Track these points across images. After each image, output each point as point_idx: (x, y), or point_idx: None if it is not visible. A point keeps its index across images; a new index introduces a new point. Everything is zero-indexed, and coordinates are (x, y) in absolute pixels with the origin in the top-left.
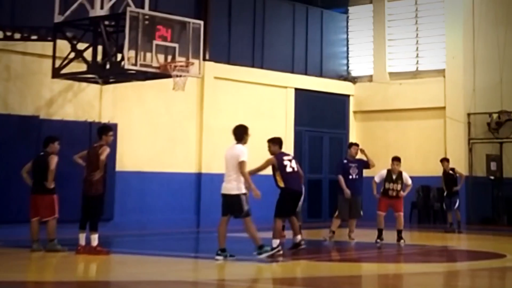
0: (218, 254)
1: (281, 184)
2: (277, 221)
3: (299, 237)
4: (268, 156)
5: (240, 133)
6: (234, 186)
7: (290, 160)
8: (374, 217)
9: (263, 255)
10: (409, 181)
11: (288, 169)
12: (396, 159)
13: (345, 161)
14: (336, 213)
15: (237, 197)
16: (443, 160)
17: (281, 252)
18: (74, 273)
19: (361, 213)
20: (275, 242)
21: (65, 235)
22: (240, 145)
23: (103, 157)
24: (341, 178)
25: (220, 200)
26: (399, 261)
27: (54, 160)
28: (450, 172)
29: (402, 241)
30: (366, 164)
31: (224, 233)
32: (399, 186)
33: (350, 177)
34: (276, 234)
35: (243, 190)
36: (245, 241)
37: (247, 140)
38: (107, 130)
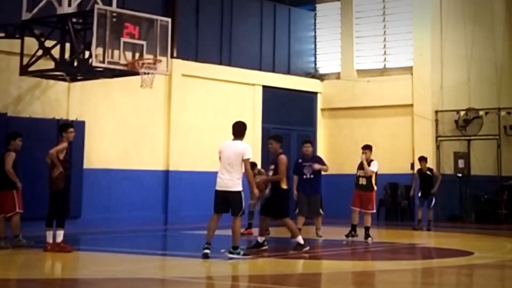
0: (230, 252)
1: (284, 186)
2: (288, 220)
3: (263, 238)
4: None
5: (240, 129)
6: (236, 183)
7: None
8: (344, 214)
9: (234, 256)
10: (374, 168)
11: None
12: (366, 147)
13: (300, 160)
14: (297, 210)
15: (239, 194)
16: (422, 159)
17: (307, 248)
18: (41, 270)
19: (321, 211)
20: (300, 239)
21: (33, 232)
22: (243, 142)
23: (52, 150)
24: (295, 178)
25: (187, 197)
26: (367, 259)
27: (9, 158)
28: (428, 172)
29: (370, 238)
30: (320, 161)
31: (215, 228)
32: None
33: (304, 176)
34: (294, 232)
35: (242, 187)
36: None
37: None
38: (66, 127)
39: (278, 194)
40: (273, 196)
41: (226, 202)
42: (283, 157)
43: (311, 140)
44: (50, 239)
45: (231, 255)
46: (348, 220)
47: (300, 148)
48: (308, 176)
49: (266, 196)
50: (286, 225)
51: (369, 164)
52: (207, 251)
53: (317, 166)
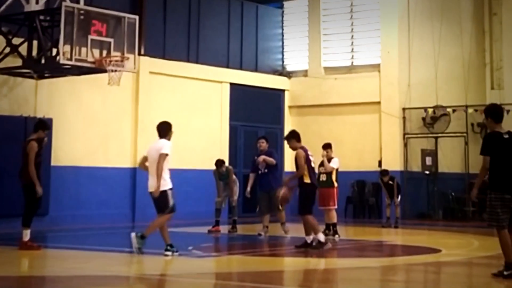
0: (167, 250)
1: (307, 180)
2: (309, 218)
3: (310, 238)
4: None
5: (164, 129)
6: (161, 182)
7: (311, 155)
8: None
9: (168, 253)
10: (335, 165)
11: (312, 165)
12: (326, 146)
13: (256, 157)
14: (258, 208)
15: (164, 192)
16: (384, 174)
17: (329, 245)
18: (8, 267)
19: (280, 207)
20: (321, 237)
21: (5, 229)
22: (164, 140)
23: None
24: (250, 175)
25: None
26: (334, 256)
27: None
28: (390, 182)
29: (337, 236)
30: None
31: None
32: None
33: (259, 172)
34: (315, 229)
35: (169, 185)
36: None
37: (171, 136)
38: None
39: (301, 190)
40: (299, 192)
41: (154, 202)
42: (299, 151)
43: (267, 137)
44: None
45: (167, 252)
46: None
47: (269, 145)
48: (262, 171)
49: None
50: (306, 222)
51: (330, 161)
52: (168, 253)
53: (260, 158)
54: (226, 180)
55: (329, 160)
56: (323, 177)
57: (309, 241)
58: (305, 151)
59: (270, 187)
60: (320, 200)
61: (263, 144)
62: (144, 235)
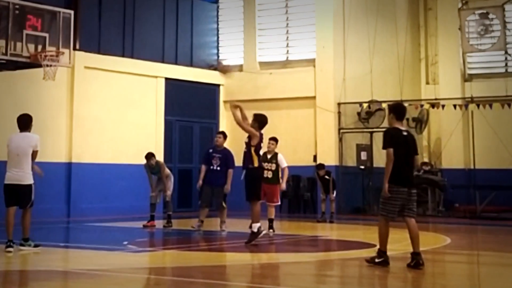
0: (21, 245)
1: (256, 163)
2: (257, 205)
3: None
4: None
5: (26, 121)
6: (27, 176)
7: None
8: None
9: (25, 248)
10: (284, 163)
11: (261, 152)
12: (272, 139)
13: (210, 150)
14: (200, 202)
15: (30, 187)
16: (320, 168)
17: (263, 233)
18: None
19: (224, 205)
20: (256, 226)
21: None
22: (32, 134)
23: None
24: (202, 168)
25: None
26: (270, 251)
27: None
28: (326, 177)
29: (271, 230)
30: (230, 158)
31: (13, 223)
32: (273, 166)
33: (212, 167)
34: (256, 217)
35: (32, 180)
36: (115, 230)
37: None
38: None
39: (248, 174)
40: (246, 177)
41: (16, 195)
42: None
43: (224, 131)
44: None
45: (22, 247)
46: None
47: (205, 140)
48: (215, 167)
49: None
50: (252, 208)
51: (275, 156)
52: (11, 249)
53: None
54: (158, 174)
55: (273, 154)
56: (268, 174)
57: (255, 230)
58: (262, 136)
59: (218, 183)
60: (264, 195)
61: (220, 139)
62: (25, 238)
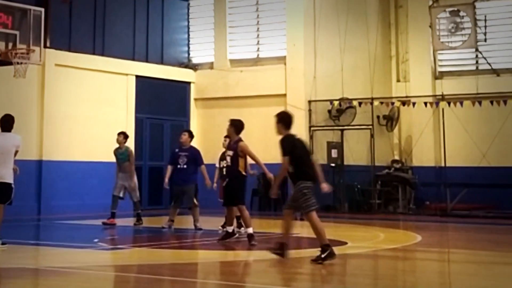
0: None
1: (244, 172)
2: (245, 209)
3: (250, 229)
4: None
5: (10, 122)
6: (10, 174)
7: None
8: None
9: None
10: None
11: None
12: (227, 136)
13: (176, 149)
14: (173, 201)
15: (11, 185)
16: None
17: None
18: None
19: (195, 202)
20: (250, 229)
21: None
22: (15, 134)
23: None
24: (168, 167)
25: (60, 186)
26: (240, 248)
27: None
28: None
29: (242, 228)
30: (197, 156)
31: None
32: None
33: (178, 166)
34: (248, 222)
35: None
36: (85, 228)
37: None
38: None
39: (237, 181)
40: (232, 183)
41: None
42: (244, 144)
43: (190, 129)
44: None
45: None
46: (221, 210)
47: (175, 138)
48: (182, 166)
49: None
50: (242, 214)
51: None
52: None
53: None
54: (123, 162)
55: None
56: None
57: (251, 231)
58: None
59: (188, 181)
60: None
61: (184, 137)
62: None
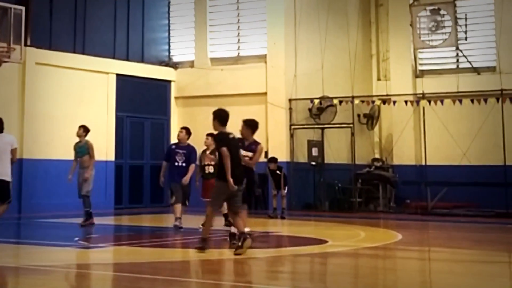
0: None
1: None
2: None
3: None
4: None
5: (1, 123)
6: (9, 172)
7: None
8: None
9: None
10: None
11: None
12: (209, 134)
13: (173, 146)
14: (173, 199)
15: (10, 183)
16: (271, 161)
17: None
18: None
19: (186, 202)
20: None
21: None
22: (10, 135)
23: None
24: (163, 164)
25: (41, 185)
26: (221, 247)
27: None
28: (277, 172)
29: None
30: (192, 154)
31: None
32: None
33: (176, 163)
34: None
35: None
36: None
37: None
38: None
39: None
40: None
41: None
42: (261, 145)
43: (187, 127)
44: None
45: None
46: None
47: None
48: (180, 163)
49: None
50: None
51: (213, 152)
52: None
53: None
54: (82, 156)
55: (212, 149)
56: (209, 169)
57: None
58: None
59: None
60: (207, 191)
61: (181, 134)
62: None
